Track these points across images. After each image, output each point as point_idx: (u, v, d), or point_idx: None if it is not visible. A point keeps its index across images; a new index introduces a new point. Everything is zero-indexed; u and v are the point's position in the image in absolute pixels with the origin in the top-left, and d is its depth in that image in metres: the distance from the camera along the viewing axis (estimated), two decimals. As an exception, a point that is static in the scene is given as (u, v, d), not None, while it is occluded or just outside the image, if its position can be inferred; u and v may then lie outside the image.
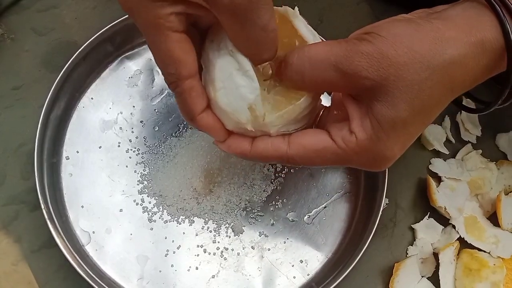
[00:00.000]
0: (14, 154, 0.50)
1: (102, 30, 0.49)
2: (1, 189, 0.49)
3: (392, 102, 0.32)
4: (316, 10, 0.57)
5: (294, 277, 0.47)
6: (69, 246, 0.44)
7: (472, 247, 0.49)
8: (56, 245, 0.44)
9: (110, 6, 0.54)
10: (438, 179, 0.51)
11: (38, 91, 0.51)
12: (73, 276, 0.44)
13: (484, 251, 0.49)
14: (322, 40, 0.39)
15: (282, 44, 0.34)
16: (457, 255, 0.49)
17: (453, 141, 0.53)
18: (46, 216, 0.44)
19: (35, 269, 0.47)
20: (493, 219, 0.50)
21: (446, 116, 0.54)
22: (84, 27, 0.53)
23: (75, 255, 0.44)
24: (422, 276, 0.48)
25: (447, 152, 0.52)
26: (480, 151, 0.53)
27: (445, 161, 0.52)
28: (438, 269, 0.48)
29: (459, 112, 0.54)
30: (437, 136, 0.52)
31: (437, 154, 0.53)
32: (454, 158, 0.53)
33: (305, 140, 0.35)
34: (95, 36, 0.48)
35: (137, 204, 0.48)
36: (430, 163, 0.52)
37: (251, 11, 0.31)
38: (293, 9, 0.36)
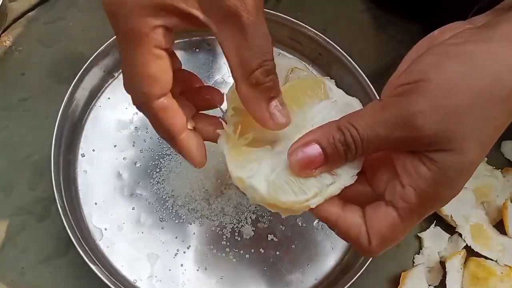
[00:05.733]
0: (22, 165, 0.50)
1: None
2: (8, 200, 0.49)
3: (457, 149, 0.28)
4: (320, 20, 0.58)
5: (302, 282, 0.47)
6: (82, 241, 0.44)
7: (479, 255, 0.49)
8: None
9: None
10: (444, 188, 0.51)
11: (45, 102, 0.52)
12: (85, 274, 0.45)
13: (491, 259, 0.49)
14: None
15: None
16: (464, 263, 0.49)
17: (458, 149, 0.54)
18: (60, 211, 0.44)
19: (42, 279, 0.46)
20: (500, 227, 0.50)
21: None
22: (90, 39, 0.53)
23: (88, 250, 0.44)
24: (429, 285, 0.48)
25: (452, 161, 0.53)
26: (486, 158, 0.53)
27: (450, 169, 0.52)
28: (445, 278, 0.48)
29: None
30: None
31: (442, 162, 0.53)
32: (460, 166, 0.53)
33: (382, 228, 0.31)
34: (115, 37, 0.50)
35: (149, 203, 0.48)
36: (436, 172, 0.52)
37: (254, 18, 0.29)
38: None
